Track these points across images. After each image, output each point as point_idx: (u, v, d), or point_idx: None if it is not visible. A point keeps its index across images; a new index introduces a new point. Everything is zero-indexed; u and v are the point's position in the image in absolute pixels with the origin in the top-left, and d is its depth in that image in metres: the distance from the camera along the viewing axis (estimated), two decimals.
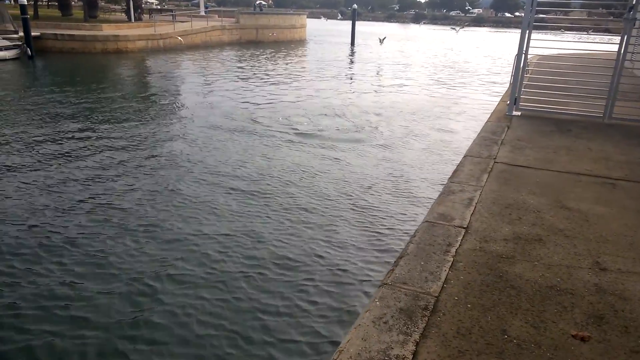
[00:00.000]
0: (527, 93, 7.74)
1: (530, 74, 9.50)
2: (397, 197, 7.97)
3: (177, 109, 14.06)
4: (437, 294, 2.73)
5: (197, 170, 8.79)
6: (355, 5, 39.76)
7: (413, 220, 6.99)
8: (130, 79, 20.30)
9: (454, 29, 56.95)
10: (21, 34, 23.11)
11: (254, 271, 5.59)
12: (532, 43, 7.12)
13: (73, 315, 4.75)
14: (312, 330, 4.64)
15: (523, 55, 7.21)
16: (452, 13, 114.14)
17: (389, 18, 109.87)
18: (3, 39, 22.58)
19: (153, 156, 9.63)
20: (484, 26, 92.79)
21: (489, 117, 7.56)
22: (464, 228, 3.54)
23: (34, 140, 10.50)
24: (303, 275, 5.54)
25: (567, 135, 6.31)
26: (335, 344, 4.28)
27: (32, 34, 23.69)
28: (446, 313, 2.57)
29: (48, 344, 4.36)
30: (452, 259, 3.10)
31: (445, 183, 4.61)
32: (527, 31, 7.02)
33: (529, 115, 7.43)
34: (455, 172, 4.80)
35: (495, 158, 5.21)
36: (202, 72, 21.83)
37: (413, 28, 79.18)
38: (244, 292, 5.19)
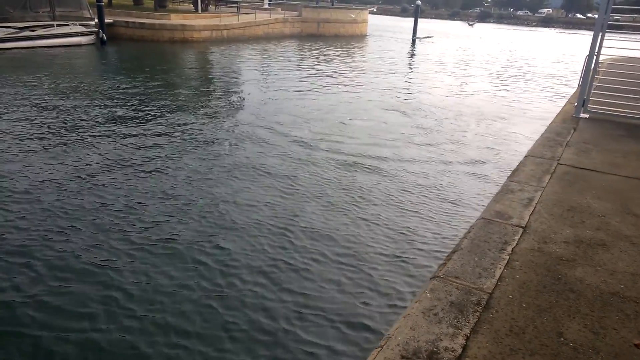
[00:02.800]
0: (597, 95, 7.36)
1: (601, 76, 9.01)
2: (451, 193, 7.81)
3: (232, 101, 14.34)
4: (490, 291, 2.67)
5: (239, 172, 8.34)
6: (418, 2, 39.02)
7: (466, 218, 6.84)
8: (193, 68, 20.98)
9: (470, 24, 52.70)
10: (96, 20, 24.42)
11: (302, 258, 5.67)
12: (605, 44, 6.77)
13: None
14: (358, 317, 4.66)
15: (595, 56, 6.86)
16: (520, 12, 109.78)
17: (453, 16, 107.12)
18: (80, 25, 23.92)
19: (196, 150, 9.79)
20: (552, 27, 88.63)
21: (554, 119, 7.25)
22: (521, 227, 3.43)
23: (94, 121, 11.09)
24: (350, 266, 5.55)
25: (638, 140, 5.96)
26: (378, 331, 4.29)
27: (106, 21, 25.00)
28: (499, 310, 2.51)
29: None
30: (507, 257, 3.02)
31: (503, 182, 4.47)
32: (600, 33, 6.67)
33: (597, 118, 7.06)
34: (515, 171, 4.65)
35: (559, 159, 5.00)
36: (262, 64, 22.22)
37: (477, 27, 76.78)
38: (291, 279, 5.28)
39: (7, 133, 9.77)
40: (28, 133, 9.84)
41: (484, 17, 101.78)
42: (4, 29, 20.94)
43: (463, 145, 10.71)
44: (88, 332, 4.36)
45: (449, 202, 7.48)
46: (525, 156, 5.17)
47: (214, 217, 6.60)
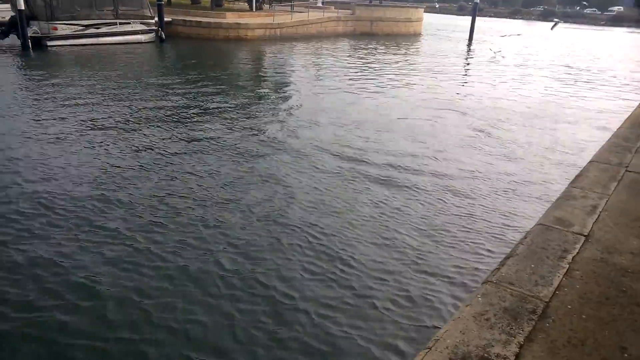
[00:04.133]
0: None
1: None
2: (506, 197, 7.54)
3: (282, 98, 14.50)
4: (547, 299, 2.54)
5: (278, 174, 8.13)
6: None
7: (522, 223, 6.58)
8: (246, 65, 21.38)
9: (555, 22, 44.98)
10: (156, 19, 25.38)
11: (357, 259, 5.64)
12: None
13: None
14: (404, 318, 4.58)
15: None
16: (587, 11, 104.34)
17: (513, 14, 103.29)
18: (140, 23, 24.92)
19: (241, 150, 9.73)
20: (623, 26, 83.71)
21: (622, 124, 6.83)
22: (583, 236, 3.25)
23: (148, 114, 11.50)
24: (400, 266, 5.47)
25: None
26: (423, 333, 4.21)
27: (165, 19, 25.93)
28: (556, 320, 2.38)
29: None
30: (567, 266, 2.86)
31: (564, 188, 4.26)
32: None
33: None
34: (577, 177, 4.42)
35: (627, 166, 4.70)
36: (314, 63, 22.33)
37: (539, 26, 73.80)
38: (338, 278, 5.27)
39: (69, 123, 10.31)
40: (85, 124, 10.35)
41: (547, 16, 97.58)
42: (72, 26, 22.14)
43: (521, 148, 10.32)
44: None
45: (504, 206, 7.23)
46: (590, 161, 4.90)
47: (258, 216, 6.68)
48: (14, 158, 8.17)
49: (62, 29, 21.84)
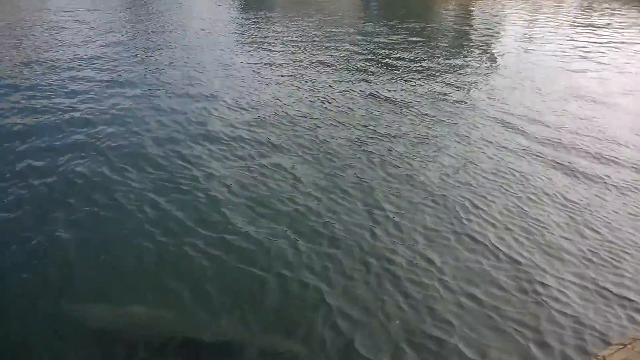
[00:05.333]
0: None
1: None
2: None
3: (484, 60, 13.31)
4: None
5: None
6: None
7: None
8: (451, 20, 20.27)
9: None
10: None
11: (525, 261, 5.07)
12: None
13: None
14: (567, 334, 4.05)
15: None
16: None
17: None
18: None
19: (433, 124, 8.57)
20: None
21: None
22: None
23: (342, 58, 11.79)
24: (569, 276, 4.78)
25: None
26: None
27: None
28: None
29: None
30: None
31: None
32: None
33: None
34: None
35: None
36: (528, 23, 19.93)
37: None
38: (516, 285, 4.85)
39: (269, 56, 11.69)
40: (281, 60, 11.43)
41: None
42: None
43: None
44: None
45: None
46: None
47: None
48: (208, 79, 9.72)
49: None
